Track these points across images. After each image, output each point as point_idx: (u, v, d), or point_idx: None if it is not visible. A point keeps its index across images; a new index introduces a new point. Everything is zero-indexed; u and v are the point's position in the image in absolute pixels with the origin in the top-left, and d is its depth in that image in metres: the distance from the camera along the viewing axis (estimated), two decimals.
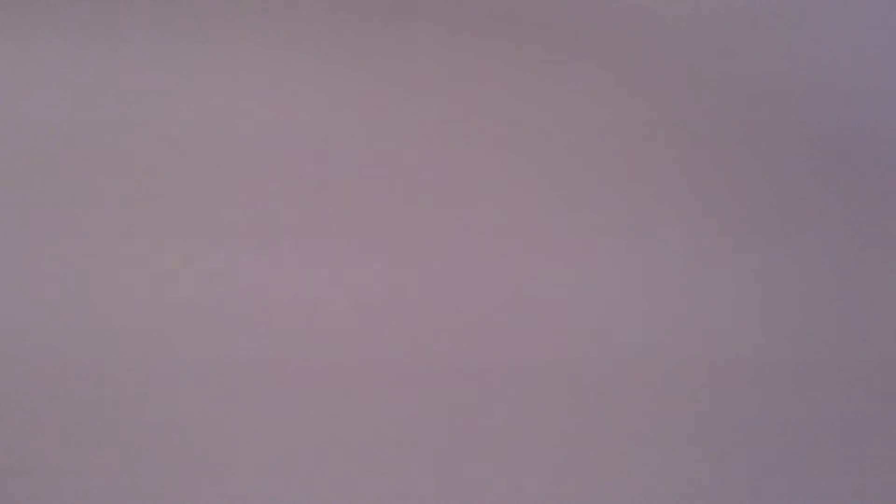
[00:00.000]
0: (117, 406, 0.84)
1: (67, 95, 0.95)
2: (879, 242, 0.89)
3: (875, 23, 0.93)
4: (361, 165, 0.93)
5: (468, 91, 0.96)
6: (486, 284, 0.88)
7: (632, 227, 0.90)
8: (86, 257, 0.89)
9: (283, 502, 0.81)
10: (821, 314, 0.87)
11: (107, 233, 0.90)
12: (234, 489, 0.82)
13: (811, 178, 0.92)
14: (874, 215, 0.90)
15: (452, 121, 0.95)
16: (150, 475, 0.82)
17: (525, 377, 0.85)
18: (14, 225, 0.90)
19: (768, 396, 0.84)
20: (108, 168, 0.93)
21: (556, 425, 0.83)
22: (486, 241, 0.90)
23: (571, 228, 0.90)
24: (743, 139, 0.94)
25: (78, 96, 0.96)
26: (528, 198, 0.92)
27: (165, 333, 0.86)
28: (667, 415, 0.83)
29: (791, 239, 0.90)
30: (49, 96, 0.95)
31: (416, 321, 0.87)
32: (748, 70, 0.96)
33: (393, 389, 0.85)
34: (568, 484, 0.82)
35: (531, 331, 0.86)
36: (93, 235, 0.90)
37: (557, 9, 1.00)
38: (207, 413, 0.84)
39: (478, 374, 0.86)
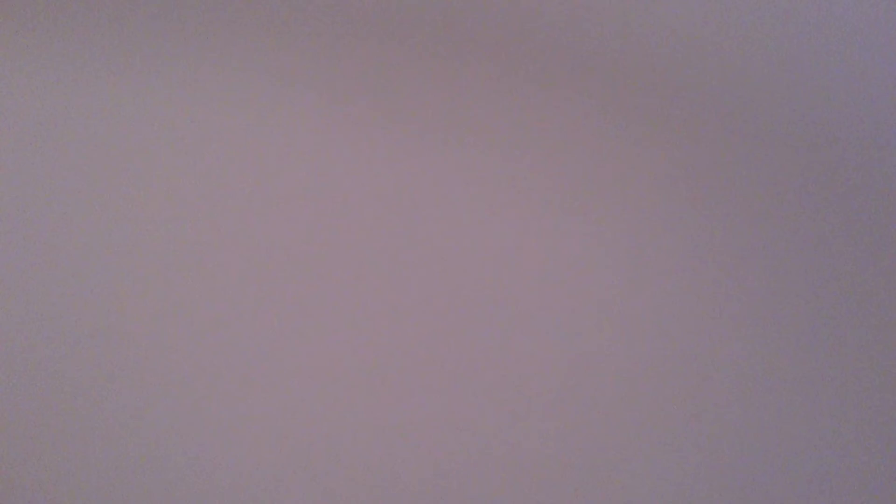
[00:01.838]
0: (117, 408, 0.84)
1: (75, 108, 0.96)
2: (879, 245, 0.89)
3: (873, 29, 0.94)
4: (358, 171, 0.93)
5: (466, 104, 0.97)
6: (485, 289, 0.88)
7: (629, 232, 0.90)
8: (86, 262, 0.89)
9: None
10: (821, 316, 0.87)
11: (107, 238, 0.90)
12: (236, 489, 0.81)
13: (809, 178, 0.92)
14: (875, 218, 0.90)
15: (448, 138, 0.95)
16: (150, 475, 0.81)
17: (522, 381, 0.85)
18: (17, 228, 0.90)
19: (768, 398, 0.83)
20: (111, 175, 0.93)
21: (557, 428, 0.83)
22: (483, 250, 0.90)
23: (572, 234, 0.90)
24: (741, 144, 0.94)
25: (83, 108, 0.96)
26: (527, 206, 0.92)
27: (166, 336, 0.86)
28: (663, 416, 0.83)
29: (790, 243, 0.90)
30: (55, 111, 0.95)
31: (416, 325, 0.87)
32: (746, 74, 0.96)
33: (395, 392, 0.85)
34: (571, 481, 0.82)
35: (531, 332, 0.86)
36: (92, 240, 0.90)
37: (553, 21, 1.00)
38: (209, 415, 0.84)
39: (479, 376, 0.85)
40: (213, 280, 0.89)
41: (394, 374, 0.85)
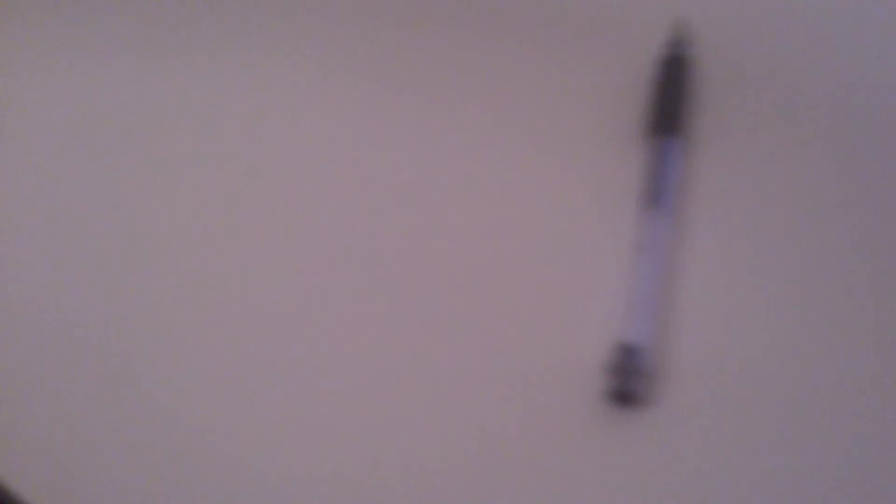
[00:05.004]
0: (125, 399, 0.84)
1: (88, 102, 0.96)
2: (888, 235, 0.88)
3: None
4: (359, 163, 0.93)
5: (466, 90, 0.97)
6: (486, 278, 0.88)
7: (633, 218, 0.90)
8: (99, 255, 0.90)
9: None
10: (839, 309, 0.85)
11: (119, 230, 0.91)
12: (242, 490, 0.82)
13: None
14: (883, 202, 0.89)
15: (451, 119, 0.95)
16: (160, 472, 0.82)
17: (514, 374, 0.85)
18: (42, 221, 0.91)
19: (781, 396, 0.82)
20: (123, 168, 0.94)
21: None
22: (486, 238, 0.90)
23: (573, 222, 0.90)
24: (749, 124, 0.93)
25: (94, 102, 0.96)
26: (529, 192, 0.91)
27: (177, 333, 0.87)
28: (672, 410, 0.82)
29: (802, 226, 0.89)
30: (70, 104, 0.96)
31: (417, 320, 0.87)
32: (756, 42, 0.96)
33: (402, 390, 0.85)
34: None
35: (530, 327, 0.86)
36: (106, 232, 0.90)
37: (554, 11, 1.00)
38: (220, 413, 0.84)
39: (476, 369, 0.85)
40: (224, 272, 0.89)
41: (391, 372, 0.86)
